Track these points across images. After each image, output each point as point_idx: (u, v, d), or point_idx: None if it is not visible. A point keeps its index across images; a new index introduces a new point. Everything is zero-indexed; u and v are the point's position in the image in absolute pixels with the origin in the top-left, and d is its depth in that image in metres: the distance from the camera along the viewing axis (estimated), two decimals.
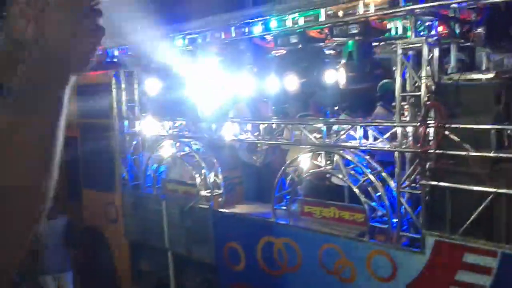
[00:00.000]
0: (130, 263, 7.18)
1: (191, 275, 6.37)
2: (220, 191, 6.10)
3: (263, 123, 5.51)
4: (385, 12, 4.19)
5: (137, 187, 7.11)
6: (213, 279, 6.08)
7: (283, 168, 5.31)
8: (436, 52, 4.19)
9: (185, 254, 6.32)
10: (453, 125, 3.95)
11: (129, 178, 7.13)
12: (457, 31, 4.41)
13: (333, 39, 4.70)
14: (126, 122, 7.12)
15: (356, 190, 4.62)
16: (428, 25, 4.26)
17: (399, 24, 4.31)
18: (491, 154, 3.82)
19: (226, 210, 5.96)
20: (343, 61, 4.81)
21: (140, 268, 7.01)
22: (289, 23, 4.80)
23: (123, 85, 7.02)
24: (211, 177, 6.10)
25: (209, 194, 6.05)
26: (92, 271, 7.83)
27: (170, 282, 6.60)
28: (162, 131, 6.68)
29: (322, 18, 4.52)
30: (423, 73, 4.13)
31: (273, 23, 4.95)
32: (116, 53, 6.90)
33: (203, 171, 6.11)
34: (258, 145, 5.84)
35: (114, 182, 7.28)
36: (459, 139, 3.92)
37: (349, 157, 4.78)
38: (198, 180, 6.12)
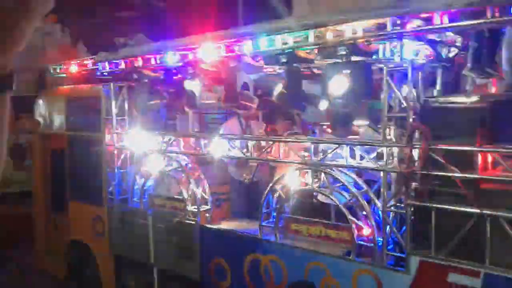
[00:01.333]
0: (115, 278, 7.11)
1: None
2: (208, 207, 6.11)
3: (252, 140, 5.55)
4: (373, 35, 4.28)
5: (124, 201, 7.08)
6: None
7: (270, 185, 5.35)
8: (422, 75, 4.29)
9: (171, 269, 6.29)
10: (438, 147, 4.03)
11: (116, 192, 7.10)
12: (443, 55, 4.52)
13: (322, 60, 4.77)
14: (114, 136, 7.12)
15: (343, 209, 4.66)
16: (416, 48, 4.36)
17: (387, 46, 4.40)
18: (475, 176, 3.90)
19: (213, 226, 5.96)
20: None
21: (125, 283, 6.95)
22: (278, 43, 4.87)
23: (112, 99, 7.04)
24: (199, 193, 6.11)
25: (196, 210, 6.05)
26: (79, 285, 7.75)
27: None
28: (151, 145, 6.69)
29: (311, 39, 4.60)
30: (409, 95, 4.22)
31: (263, 42, 5.02)
32: (107, 67, 6.91)
33: (190, 186, 6.12)
34: (248, 161, 5.87)
35: (101, 195, 7.24)
36: (443, 161, 4.00)
37: (336, 175, 4.84)
38: (185, 195, 6.12)
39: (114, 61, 6.83)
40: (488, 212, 3.75)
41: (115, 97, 7.03)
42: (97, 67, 7.04)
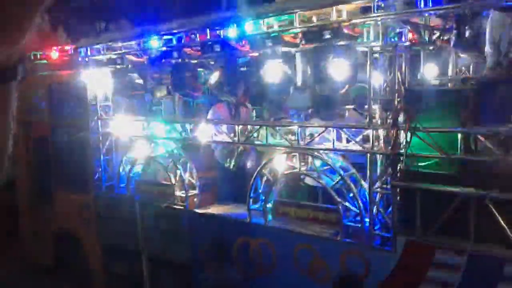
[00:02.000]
0: (104, 266, 7.12)
1: (165, 276, 6.37)
2: (195, 192, 6.12)
3: (239, 125, 5.56)
4: (357, 18, 4.29)
5: (111, 188, 7.06)
6: (188, 280, 6.09)
7: (258, 169, 5.38)
8: (406, 58, 4.33)
9: (160, 255, 6.32)
10: (422, 128, 4.09)
11: (103, 179, 7.07)
12: (427, 37, 4.56)
13: (307, 44, 4.77)
14: (99, 122, 7.05)
15: (330, 191, 4.73)
16: (399, 31, 4.39)
17: (371, 30, 4.42)
18: (460, 157, 3.99)
19: (201, 211, 5.99)
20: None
21: (114, 270, 6.96)
22: (263, 27, 4.86)
23: (96, 85, 6.95)
24: (186, 178, 6.11)
25: (184, 195, 6.07)
26: (67, 274, 7.73)
27: (145, 284, 6.58)
28: (136, 131, 6.65)
29: (296, 23, 4.59)
30: (394, 78, 4.27)
31: (248, 27, 5.00)
32: (89, 52, 6.81)
33: (177, 171, 6.12)
34: (234, 146, 5.89)
35: (87, 183, 7.20)
36: (428, 142, 4.07)
37: (323, 158, 4.89)
38: (173, 180, 6.13)
39: (96, 47, 6.73)
40: (473, 192, 3.85)
41: (98, 83, 6.94)
42: (79, 52, 6.92)
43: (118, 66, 6.68)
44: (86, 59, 6.92)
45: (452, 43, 4.46)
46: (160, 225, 6.24)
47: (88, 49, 6.82)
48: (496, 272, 3.75)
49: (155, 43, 5.97)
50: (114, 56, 6.59)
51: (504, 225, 3.68)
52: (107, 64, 6.78)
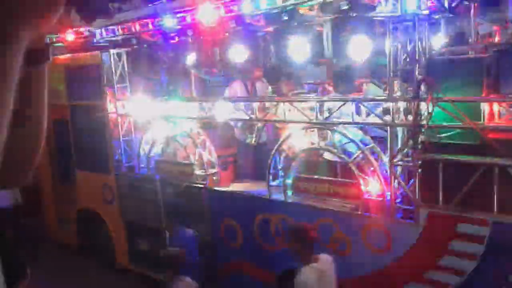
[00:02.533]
0: (127, 243, 7.26)
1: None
2: (215, 170, 6.16)
3: (256, 102, 5.53)
4: None
5: (131, 168, 7.14)
6: (211, 256, 6.18)
7: (277, 145, 5.38)
8: (426, 26, 4.23)
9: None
10: (445, 99, 4.02)
11: (123, 159, 7.15)
12: (446, 5, 4.43)
13: (324, 16, 4.69)
14: (117, 104, 7.09)
15: (351, 165, 4.71)
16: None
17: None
18: (482, 126, 3.92)
19: (222, 188, 6.03)
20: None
21: (138, 248, 7.09)
22: (279, 1, 4.78)
23: (112, 66, 6.97)
24: (205, 156, 6.14)
25: (203, 173, 6.11)
26: (92, 252, 7.92)
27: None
28: (154, 111, 6.67)
29: None
30: (414, 48, 4.18)
31: (263, 1, 4.92)
32: (104, 34, 6.80)
33: (196, 150, 6.15)
34: (254, 123, 5.88)
35: (108, 163, 7.30)
36: (450, 112, 4.00)
37: (342, 133, 4.85)
38: (192, 159, 6.17)
39: (111, 28, 6.72)
40: (494, 161, 3.79)
41: (114, 64, 6.96)
42: (93, 34, 6.93)
43: (134, 47, 6.68)
44: (101, 40, 6.93)
45: (473, 11, 4.35)
46: (181, 203, 6.31)
47: (103, 30, 6.81)
48: None
49: (169, 22, 5.92)
50: (129, 37, 6.57)
51: None
52: (123, 44, 6.77)
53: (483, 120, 3.93)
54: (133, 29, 6.47)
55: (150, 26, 6.26)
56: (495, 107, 3.99)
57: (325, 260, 3.87)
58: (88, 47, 7.25)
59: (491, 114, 3.95)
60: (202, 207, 6.08)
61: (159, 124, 6.63)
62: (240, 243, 5.78)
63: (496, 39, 5.15)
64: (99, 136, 7.37)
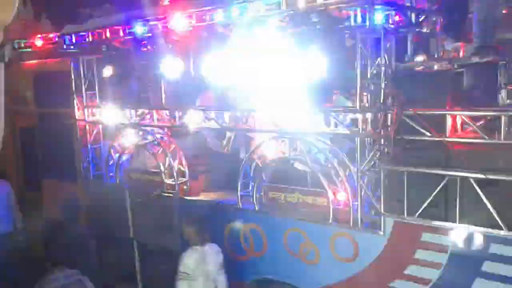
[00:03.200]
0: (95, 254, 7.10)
1: (157, 264, 6.38)
2: (185, 179, 6.12)
3: (228, 111, 5.54)
4: (344, 1, 4.27)
5: (100, 177, 7.03)
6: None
7: (247, 154, 5.39)
8: (393, 40, 4.34)
9: (151, 243, 6.32)
10: (410, 111, 4.12)
11: (91, 167, 7.03)
12: (413, 20, 4.57)
13: (295, 28, 4.75)
14: (86, 111, 6.99)
15: (319, 175, 4.75)
16: (386, 14, 4.38)
17: (358, 13, 4.41)
18: (446, 138, 4.03)
19: (192, 198, 5.99)
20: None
21: (105, 259, 6.94)
22: (251, 11, 4.82)
23: (82, 73, 6.88)
24: (176, 166, 6.10)
25: (173, 183, 6.06)
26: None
27: (136, 272, 6.60)
28: (124, 119, 6.60)
29: (283, 6, 4.56)
30: (382, 61, 4.27)
31: (235, 11, 4.96)
32: (74, 40, 6.71)
33: (167, 159, 6.10)
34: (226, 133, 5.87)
35: (75, 172, 7.16)
36: (415, 125, 4.10)
37: (311, 143, 4.90)
38: (162, 168, 6.11)
39: (81, 34, 6.63)
40: (458, 174, 3.90)
41: (84, 71, 6.87)
42: (63, 40, 6.82)
43: (104, 53, 6.61)
44: (71, 46, 6.83)
45: (441, 28, 4.49)
46: (151, 213, 6.23)
47: (73, 36, 6.72)
48: (482, 252, 3.82)
49: (140, 29, 5.89)
50: (100, 43, 6.50)
51: (489, 206, 3.74)
52: (93, 51, 6.69)
53: (447, 132, 4.05)
54: (103, 36, 6.42)
55: (121, 33, 6.21)
56: (458, 120, 4.10)
57: (211, 247, 4.76)
58: (57, 53, 7.13)
59: (454, 126, 4.06)
60: (171, 216, 6.02)
61: (128, 132, 6.55)
62: None
63: (461, 54, 5.31)
64: (67, 144, 7.23)
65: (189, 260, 4.64)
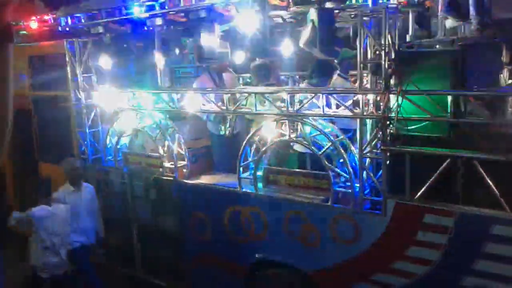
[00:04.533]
0: None
1: (156, 247, 6.38)
2: (184, 162, 6.07)
3: (227, 93, 5.48)
4: None
5: (98, 160, 6.98)
6: (179, 250, 6.11)
7: (247, 137, 5.34)
8: (396, 20, 4.26)
9: (150, 226, 6.31)
10: (414, 91, 4.07)
11: (89, 151, 6.97)
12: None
13: (295, 7, 4.67)
14: (82, 94, 6.90)
15: (321, 157, 4.72)
16: None
17: None
18: (448, 119, 4.00)
19: (191, 181, 5.96)
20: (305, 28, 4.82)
21: (105, 241, 6.94)
22: None
23: (78, 55, 6.77)
24: (175, 149, 6.05)
25: (172, 166, 6.02)
26: None
27: (135, 255, 6.60)
28: (122, 102, 6.52)
29: None
30: (384, 41, 4.21)
31: None
32: (69, 22, 6.59)
33: (166, 142, 6.05)
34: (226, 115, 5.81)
35: (73, 156, 7.09)
36: (418, 105, 4.06)
37: (312, 125, 4.86)
38: (161, 152, 6.07)
39: (77, 16, 6.51)
40: (460, 154, 3.88)
41: (80, 53, 6.76)
42: (59, 23, 6.70)
43: (100, 35, 6.49)
44: (67, 28, 6.71)
45: (444, 7, 4.42)
46: (150, 196, 6.21)
47: (68, 18, 6.59)
48: (484, 232, 3.82)
49: (137, 10, 5.78)
50: (96, 25, 6.38)
51: (492, 186, 3.72)
52: (89, 33, 6.57)
53: (449, 113, 4.01)
54: (99, 18, 6.30)
55: (117, 15, 6.10)
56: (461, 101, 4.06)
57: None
58: (53, 35, 7.00)
59: (457, 107, 4.03)
60: (170, 199, 6.00)
61: (127, 115, 6.48)
62: (210, 236, 5.73)
63: (463, 33, 5.24)
64: (64, 127, 7.16)
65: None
